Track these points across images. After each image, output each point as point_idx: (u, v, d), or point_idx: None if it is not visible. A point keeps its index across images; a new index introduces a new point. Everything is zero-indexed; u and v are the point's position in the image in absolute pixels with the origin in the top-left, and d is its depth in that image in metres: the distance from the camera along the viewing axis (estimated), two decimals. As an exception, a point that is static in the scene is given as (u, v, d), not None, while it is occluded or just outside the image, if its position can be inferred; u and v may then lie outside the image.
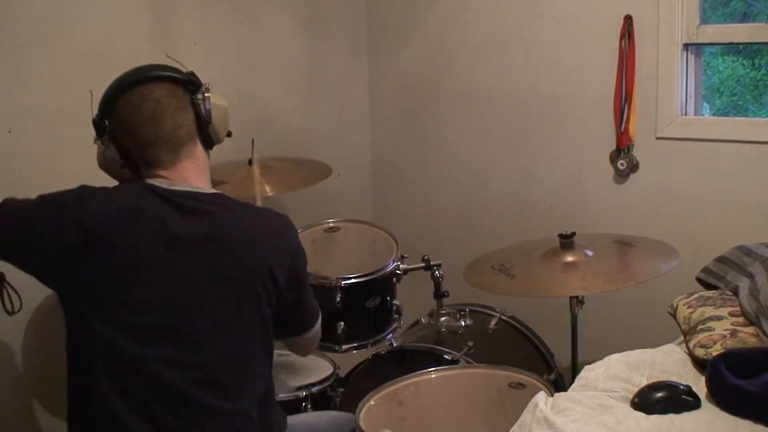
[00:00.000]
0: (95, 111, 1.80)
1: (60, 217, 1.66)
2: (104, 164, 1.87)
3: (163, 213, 1.70)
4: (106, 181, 1.90)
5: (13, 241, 1.70)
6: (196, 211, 1.72)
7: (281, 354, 2.47)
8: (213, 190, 1.80)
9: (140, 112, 1.74)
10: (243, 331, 1.74)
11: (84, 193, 1.71)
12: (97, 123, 1.80)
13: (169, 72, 1.79)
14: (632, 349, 2.06)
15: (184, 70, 1.82)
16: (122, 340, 1.65)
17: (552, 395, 1.88)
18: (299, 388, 2.42)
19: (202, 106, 1.79)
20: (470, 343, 2.58)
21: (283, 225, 1.84)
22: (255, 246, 1.74)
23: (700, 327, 2.07)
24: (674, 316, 2.25)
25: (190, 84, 1.79)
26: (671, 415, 1.74)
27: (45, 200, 1.71)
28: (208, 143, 1.83)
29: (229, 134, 1.89)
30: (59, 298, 1.71)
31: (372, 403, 2.12)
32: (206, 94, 1.79)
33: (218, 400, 1.71)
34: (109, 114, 1.78)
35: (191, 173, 1.77)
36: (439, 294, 2.73)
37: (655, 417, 1.74)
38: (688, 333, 2.11)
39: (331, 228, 2.73)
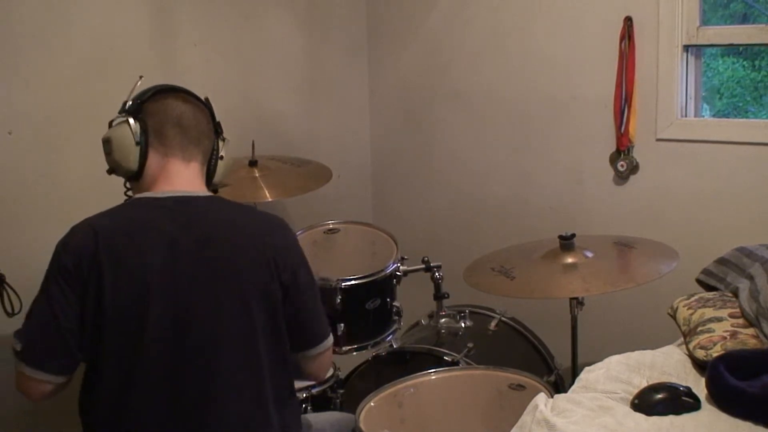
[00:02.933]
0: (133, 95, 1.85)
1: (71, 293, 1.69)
2: (117, 137, 1.81)
3: (162, 223, 1.72)
4: (103, 181, 1.90)
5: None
6: (189, 215, 1.74)
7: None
8: (208, 193, 1.82)
9: (187, 102, 1.83)
10: (255, 333, 1.74)
11: (67, 245, 1.71)
12: (133, 102, 1.82)
13: (212, 110, 1.90)
14: (632, 350, 2.06)
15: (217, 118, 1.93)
16: (136, 355, 1.68)
17: (552, 397, 1.88)
18: (300, 390, 2.42)
19: (220, 145, 1.90)
20: (470, 345, 2.58)
21: (279, 225, 1.84)
22: (252, 246, 1.74)
23: (700, 328, 2.07)
24: (674, 317, 2.25)
25: (219, 130, 1.91)
26: (671, 417, 1.74)
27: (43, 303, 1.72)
28: (209, 174, 1.88)
29: (215, 191, 1.94)
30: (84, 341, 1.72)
31: (372, 404, 2.12)
32: (226, 140, 1.92)
33: (234, 402, 1.72)
34: (149, 98, 1.82)
35: (197, 176, 1.82)
36: (439, 295, 2.73)
37: (655, 418, 1.73)
38: (688, 334, 2.11)
39: (331, 229, 2.73)
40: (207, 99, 1.91)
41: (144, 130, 1.78)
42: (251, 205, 2.10)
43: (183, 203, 1.75)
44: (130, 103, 1.81)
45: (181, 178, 1.79)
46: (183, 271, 1.70)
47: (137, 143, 1.78)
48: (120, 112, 1.82)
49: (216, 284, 1.71)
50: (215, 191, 1.94)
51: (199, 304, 1.70)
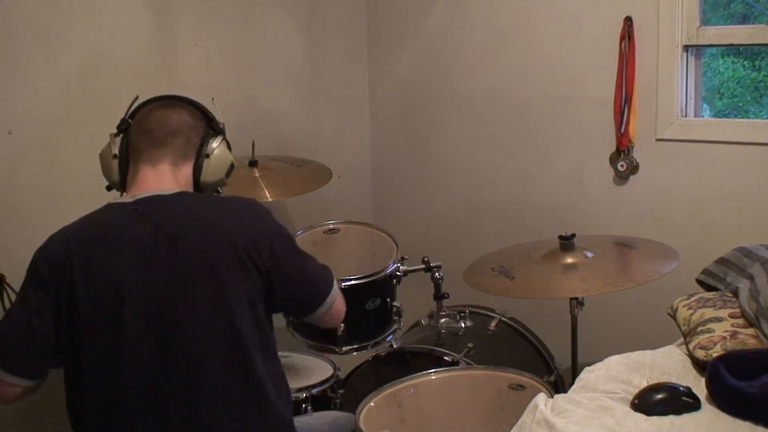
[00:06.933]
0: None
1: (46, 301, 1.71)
2: (102, 154, 1.89)
3: (132, 226, 1.73)
4: (102, 181, 1.90)
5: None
6: (157, 215, 1.74)
7: (282, 355, 2.47)
8: (176, 189, 1.82)
9: (161, 108, 1.86)
10: (239, 325, 1.73)
11: (41, 257, 1.75)
12: (124, 119, 1.88)
13: (206, 111, 1.91)
14: (632, 350, 2.06)
15: (220, 120, 1.93)
16: (119, 358, 1.69)
17: (552, 397, 1.88)
18: (299, 390, 2.42)
19: (210, 143, 1.88)
20: (470, 345, 2.58)
21: (248, 209, 1.82)
22: (223, 239, 1.74)
23: (700, 328, 2.07)
24: (674, 317, 2.25)
25: (217, 130, 1.91)
26: (671, 417, 1.74)
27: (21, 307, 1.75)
28: (196, 173, 1.87)
29: (216, 190, 1.94)
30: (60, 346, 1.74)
31: (372, 404, 2.12)
32: (219, 138, 1.90)
33: (226, 399, 1.73)
34: (137, 111, 1.88)
35: (166, 178, 1.82)
36: (439, 295, 2.73)
37: (655, 418, 1.74)
38: (688, 334, 2.11)
39: (331, 229, 2.73)
40: (212, 100, 1.93)
41: (123, 144, 1.85)
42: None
43: (150, 202, 1.76)
44: (122, 118, 1.88)
45: (149, 180, 1.81)
46: (157, 271, 1.71)
47: (114, 156, 1.85)
48: (118, 126, 1.89)
49: (192, 281, 1.71)
50: (217, 192, 1.94)
51: (178, 303, 1.70)
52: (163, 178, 1.81)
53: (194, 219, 1.76)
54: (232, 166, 1.94)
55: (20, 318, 1.72)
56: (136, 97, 1.90)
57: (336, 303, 1.92)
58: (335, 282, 1.93)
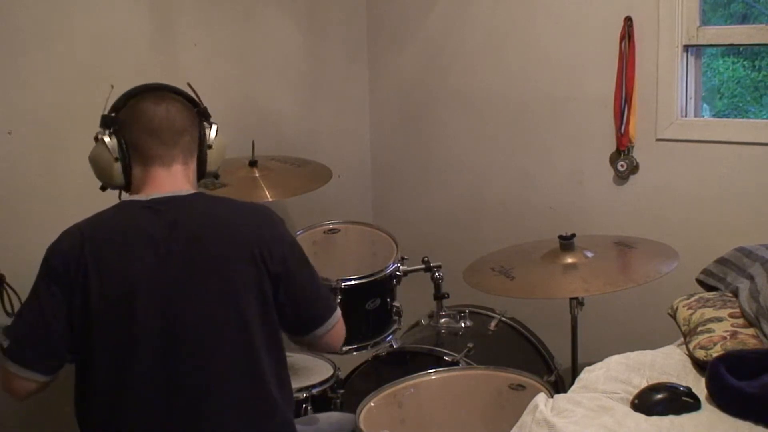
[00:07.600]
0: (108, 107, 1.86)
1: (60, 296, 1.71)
2: (96, 157, 1.84)
3: (147, 224, 1.73)
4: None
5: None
6: (174, 214, 1.74)
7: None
8: (192, 190, 1.82)
9: (159, 104, 1.81)
10: (249, 327, 1.74)
11: (55, 251, 1.74)
12: (107, 115, 1.84)
13: (192, 99, 1.90)
14: (632, 350, 2.07)
15: (201, 103, 1.91)
16: (127, 356, 1.69)
17: (552, 397, 1.88)
18: (300, 390, 2.42)
19: (207, 131, 1.89)
20: (470, 345, 2.58)
21: (263, 215, 1.83)
22: (238, 241, 1.74)
23: (700, 328, 2.07)
24: (674, 317, 2.26)
25: (202, 113, 1.90)
26: (671, 417, 1.74)
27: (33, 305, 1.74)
28: (201, 166, 1.88)
29: (216, 176, 1.95)
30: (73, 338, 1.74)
31: (372, 404, 2.12)
32: (213, 126, 1.90)
33: (232, 398, 1.73)
34: (123, 105, 1.83)
35: (180, 178, 1.81)
36: (439, 295, 2.73)
37: (655, 418, 1.74)
38: (688, 334, 2.11)
39: (331, 229, 2.73)
40: (189, 84, 1.92)
41: (122, 145, 1.80)
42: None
43: (167, 203, 1.76)
44: (105, 115, 1.83)
45: (164, 181, 1.80)
46: (170, 271, 1.71)
47: (116, 159, 1.81)
48: (100, 126, 1.83)
49: (205, 282, 1.72)
50: (216, 177, 1.94)
51: (189, 303, 1.71)
52: (176, 178, 1.81)
53: (211, 220, 1.77)
54: (225, 144, 1.96)
55: (34, 313, 1.72)
56: (112, 87, 1.86)
57: (337, 327, 1.90)
58: (338, 308, 1.92)
